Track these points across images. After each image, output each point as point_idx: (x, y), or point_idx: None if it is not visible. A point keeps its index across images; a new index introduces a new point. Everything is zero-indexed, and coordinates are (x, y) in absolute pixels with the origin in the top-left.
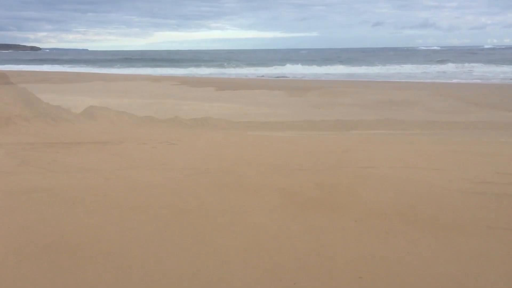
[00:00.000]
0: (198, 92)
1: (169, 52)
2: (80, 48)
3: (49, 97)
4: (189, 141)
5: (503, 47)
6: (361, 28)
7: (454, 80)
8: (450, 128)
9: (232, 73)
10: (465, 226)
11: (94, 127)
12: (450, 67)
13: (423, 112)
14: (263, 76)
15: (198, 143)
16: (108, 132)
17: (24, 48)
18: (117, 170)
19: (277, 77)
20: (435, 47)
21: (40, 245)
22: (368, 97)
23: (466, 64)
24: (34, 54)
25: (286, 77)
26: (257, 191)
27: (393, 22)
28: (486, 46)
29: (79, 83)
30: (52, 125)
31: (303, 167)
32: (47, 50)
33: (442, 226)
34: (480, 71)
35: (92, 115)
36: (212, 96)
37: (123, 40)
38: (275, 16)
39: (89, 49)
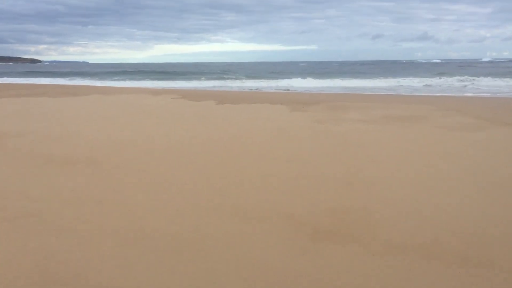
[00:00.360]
0: (197, 106)
1: (169, 64)
2: (81, 60)
3: (45, 112)
4: (187, 160)
5: (504, 60)
6: (360, 41)
7: (459, 94)
8: (465, 147)
9: (232, 85)
10: (499, 262)
11: (88, 144)
12: (452, 80)
13: (433, 129)
14: (262, 89)
15: (197, 163)
16: (102, 150)
17: (24, 60)
18: (111, 193)
19: (278, 90)
20: (436, 60)
21: (22, 283)
22: (373, 112)
23: (469, 77)
24: (33, 66)
25: (287, 90)
26: (262, 219)
27: (392, 35)
28: (484, 59)
29: (75, 96)
30: (45, 142)
31: (311, 190)
32: (47, 63)
33: (472, 263)
34: (485, 85)
35: (85, 131)
36: (211, 111)
37: (124, 53)
38: (274, 29)
39: (90, 61)
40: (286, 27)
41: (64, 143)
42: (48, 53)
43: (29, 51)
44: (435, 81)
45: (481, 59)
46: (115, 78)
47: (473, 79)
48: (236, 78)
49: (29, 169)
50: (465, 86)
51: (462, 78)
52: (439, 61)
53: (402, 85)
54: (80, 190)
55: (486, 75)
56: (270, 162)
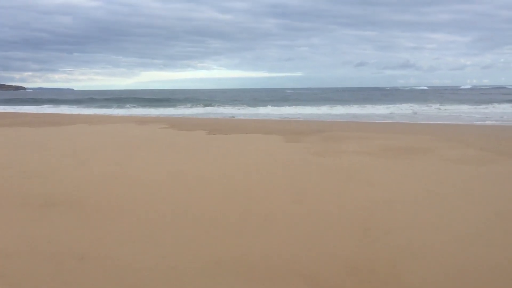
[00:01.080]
0: (187, 137)
1: (155, 91)
2: (66, 87)
3: (25, 144)
4: (180, 203)
5: (485, 87)
6: (344, 68)
7: (454, 122)
8: (482, 183)
9: (222, 112)
10: None
11: (70, 181)
12: (443, 107)
13: (441, 163)
14: (251, 116)
15: (191, 206)
16: (85, 188)
17: (9, 87)
18: (94, 245)
19: (267, 117)
20: (423, 87)
21: None
22: (373, 142)
23: (461, 106)
24: (16, 93)
25: (279, 118)
26: (271, 278)
27: (375, 62)
28: (465, 87)
29: (58, 126)
30: (22, 179)
31: (324, 238)
32: (30, 90)
33: None
34: (479, 112)
35: (67, 166)
36: (203, 143)
37: (109, 80)
38: (259, 57)
39: (75, 88)
40: (271, 54)
41: (44, 180)
42: (33, 80)
43: (14, 78)
44: (426, 108)
45: (459, 86)
46: (101, 105)
47: (466, 107)
48: (223, 105)
49: (1, 213)
50: (460, 113)
51: (453, 106)
52: (426, 88)
53: (392, 112)
54: (58, 242)
55: (477, 102)
56: (273, 204)
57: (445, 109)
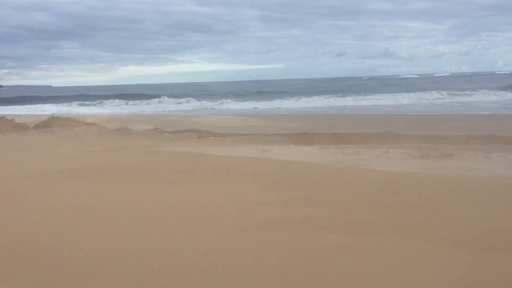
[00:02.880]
0: (176, 146)
1: (136, 86)
2: (44, 84)
3: None
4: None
5: (466, 74)
6: (325, 59)
7: (484, 112)
8: None
9: (212, 108)
10: None
11: (17, 230)
12: (445, 96)
13: None
14: (238, 112)
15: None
16: (42, 235)
17: None
18: None
19: (262, 112)
20: (413, 75)
21: None
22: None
23: (460, 92)
24: None
25: (270, 112)
26: None
27: (355, 52)
28: (439, 74)
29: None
30: None
31: None
32: (5, 88)
33: None
34: (486, 100)
35: (17, 197)
36: (196, 156)
37: (88, 76)
38: (240, 49)
39: (53, 85)
40: (251, 46)
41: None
42: (10, 78)
43: None
44: (422, 96)
45: (433, 74)
46: (79, 102)
47: (469, 94)
48: (208, 100)
49: None
50: (468, 102)
51: (454, 93)
52: (417, 76)
53: (387, 104)
54: None
55: (474, 89)
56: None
57: (461, 97)
